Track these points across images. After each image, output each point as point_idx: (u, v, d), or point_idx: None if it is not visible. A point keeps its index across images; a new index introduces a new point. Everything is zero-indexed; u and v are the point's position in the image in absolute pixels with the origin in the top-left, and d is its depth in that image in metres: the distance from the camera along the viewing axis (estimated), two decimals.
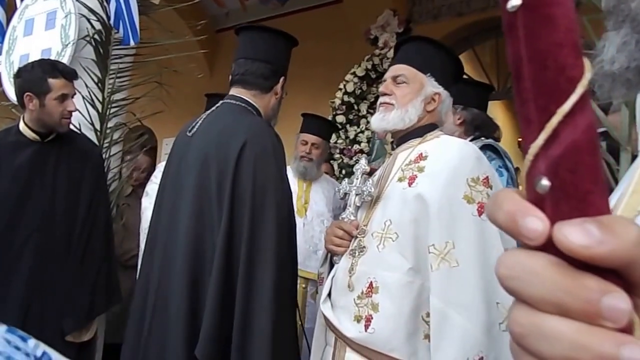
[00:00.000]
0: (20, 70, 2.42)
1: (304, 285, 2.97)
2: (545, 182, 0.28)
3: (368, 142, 5.49)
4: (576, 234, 0.27)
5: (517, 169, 2.73)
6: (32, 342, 0.74)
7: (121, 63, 3.36)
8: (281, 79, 2.01)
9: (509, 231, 0.30)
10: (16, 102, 2.58)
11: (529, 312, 0.29)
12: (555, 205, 0.28)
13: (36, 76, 2.33)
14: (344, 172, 5.38)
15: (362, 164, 1.71)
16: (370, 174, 1.74)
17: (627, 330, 0.27)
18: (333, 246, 1.66)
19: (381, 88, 1.74)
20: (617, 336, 0.26)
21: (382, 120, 1.69)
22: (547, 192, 0.28)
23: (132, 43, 3.22)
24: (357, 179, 1.68)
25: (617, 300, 0.27)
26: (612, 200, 0.65)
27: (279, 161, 1.78)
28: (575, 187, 0.28)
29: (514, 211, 0.29)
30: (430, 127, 1.70)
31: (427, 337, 1.42)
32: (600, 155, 0.29)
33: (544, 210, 0.29)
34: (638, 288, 0.28)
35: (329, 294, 1.67)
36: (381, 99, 1.72)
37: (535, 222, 0.28)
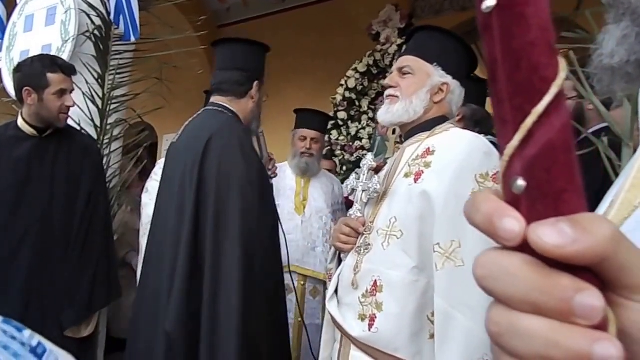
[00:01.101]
0: (19, 65, 2.43)
1: (302, 282, 2.96)
2: (521, 182, 0.28)
3: (369, 138, 5.47)
4: (550, 234, 0.27)
5: None
6: (27, 332, 0.76)
7: (121, 59, 3.34)
8: (255, 84, 2.13)
9: (487, 232, 0.30)
10: (15, 98, 2.58)
11: (505, 311, 0.29)
12: (531, 205, 0.29)
13: (35, 71, 2.34)
14: (344, 168, 5.37)
15: (369, 160, 1.67)
16: (377, 170, 1.71)
17: (602, 327, 0.27)
18: (340, 243, 1.63)
19: (386, 80, 1.70)
20: (591, 333, 0.27)
21: (387, 113, 1.65)
22: (523, 192, 0.29)
23: (132, 39, 3.21)
24: (363, 174, 1.65)
25: (590, 298, 0.27)
26: (611, 194, 0.64)
27: (245, 154, 1.85)
28: (550, 186, 0.28)
29: (491, 212, 0.29)
30: (440, 120, 1.64)
31: (433, 336, 1.39)
32: (575, 154, 0.29)
33: (520, 211, 0.29)
34: (613, 285, 0.29)
35: (336, 291, 1.65)
36: (386, 92, 1.69)
37: (512, 223, 0.29)
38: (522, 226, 0.28)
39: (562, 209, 0.28)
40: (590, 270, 0.28)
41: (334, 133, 5.55)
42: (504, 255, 0.29)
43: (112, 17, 3.19)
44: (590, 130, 2.40)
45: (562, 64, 0.28)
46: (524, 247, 0.28)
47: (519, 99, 0.28)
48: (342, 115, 5.53)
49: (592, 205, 0.66)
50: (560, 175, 0.28)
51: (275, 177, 2.50)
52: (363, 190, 1.63)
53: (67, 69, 2.44)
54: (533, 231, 0.28)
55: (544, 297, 0.27)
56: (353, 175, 1.68)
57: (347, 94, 5.53)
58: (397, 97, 1.64)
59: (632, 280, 0.28)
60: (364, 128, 5.55)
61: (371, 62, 5.45)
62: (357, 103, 5.61)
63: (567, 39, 2.19)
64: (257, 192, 1.83)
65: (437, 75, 1.63)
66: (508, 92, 0.28)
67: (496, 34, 0.28)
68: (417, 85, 1.63)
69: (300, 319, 2.92)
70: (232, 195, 1.76)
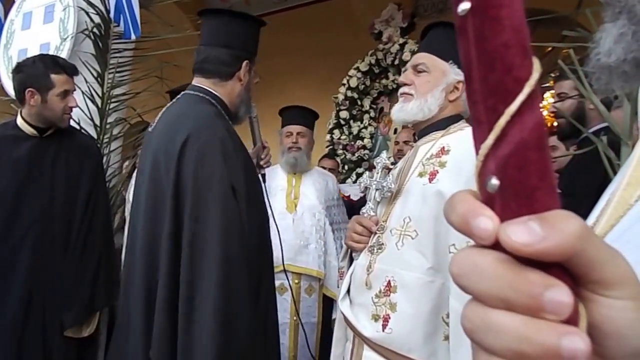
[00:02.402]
0: (20, 65, 2.40)
1: (297, 281, 2.95)
2: (494, 181, 0.29)
3: (371, 137, 5.46)
4: (518, 233, 0.28)
5: None
6: None
7: (121, 57, 3.34)
8: (244, 64, 1.88)
9: (463, 232, 0.31)
10: (14, 97, 2.57)
11: (478, 308, 0.30)
12: (505, 203, 0.29)
13: (38, 72, 2.31)
14: (346, 167, 5.37)
15: (383, 158, 1.66)
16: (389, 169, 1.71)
17: (573, 321, 0.28)
18: (352, 242, 1.63)
19: (401, 78, 1.69)
20: (559, 327, 0.27)
21: (401, 111, 1.64)
22: (497, 191, 0.29)
23: (133, 37, 3.20)
24: (377, 173, 1.64)
25: (558, 294, 0.27)
26: (608, 192, 0.65)
27: (228, 155, 1.67)
28: (522, 184, 0.28)
29: (466, 212, 0.30)
30: (455, 119, 1.63)
31: (447, 338, 1.39)
32: (548, 153, 0.29)
33: (494, 210, 0.30)
34: (583, 280, 0.29)
35: (348, 291, 1.65)
36: (401, 89, 1.67)
37: (486, 222, 0.29)
38: (496, 225, 0.29)
39: (535, 207, 0.29)
40: (562, 267, 0.29)
41: (336, 132, 5.55)
42: (478, 253, 0.30)
43: (112, 15, 3.18)
44: (591, 130, 2.39)
45: (536, 64, 0.28)
46: (498, 245, 0.29)
47: (493, 99, 0.28)
48: (344, 114, 5.52)
49: (593, 204, 0.66)
50: (532, 173, 0.28)
51: (268, 166, 2.31)
52: (377, 189, 1.62)
53: (70, 69, 2.43)
54: (503, 230, 0.28)
55: (514, 294, 0.28)
56: (367, 174, 1.68)
57: (349, 93, 5.52)
58: (411, 95, 1.63)
59: (600, 275, 0.29)
60: (365, 127, 5.54)
61: (373, 61, 5.43)
62: (359, 102, 5.60)
63: (568, 38, 2.18)
64: (243, 196, 1.67)
65: (453, 74, 1.62)
66: (482, 93, 0.29)
67: (471, 36, 0.29)
68: (433, 83, 1.61)
69: (295, 318, 2.92)
70: (211, 204, 1.60)
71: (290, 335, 2.97)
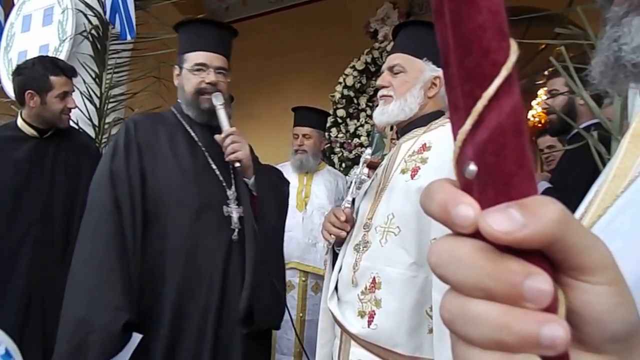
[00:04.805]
0: (19, 67, 2.42)
1: (304, 279, 3.00)
2: (472, 167, 0.28)
3: (368, 135, 5.47)
4: (499, 221, 0.27)
5: None
6: None
7: (119, 58, 3.35)
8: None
9: (442, 221, 0.29)
10: (14, 99, 2.59)
11: (457, 297, 0.29)
12: (483, 190, 0.28)
13: (38, 74, 2.34)
14: (343, 165, 5.38)
15: (366, 153, 1.70)
16: (373, 165, 1.73)
17: (552, 309, 0.28)
18: (325, 232, 1.66)
19: (378, 80, 1.70)
20: (539, 316, 0.27)
21: (383, 114, 1.66)
22: (475, 177, 0.28)
23: (128, 38, 3.21)
24: (359, 168, 1.67)
25: (539, 282, 0.27)
26: (596, 185, 0.65)
27: (117, 145, 1.84)
28: (499, 170, 0.28)
29: (445, 200, 0.29)
30: (436, 115, 1.65)
31: (432, 331, 1.41)
32: (527, 138, 0.28)
33: (472, 196, 0.29)
34: (563, 266, 0.29)
35: (336, 288, 1.67)
36: (380, 92, 1.69)
37: (467, 209, 0.28)
38: (477, 212, 0.28)
39: (512, 194, 0.28)
40: (541, 253, 0.28)
41: (333, 130, 5.55)
42: (456, 242, 0.29)
43: (107, 16, 3.19)
44: (582, 126, 2.42)
45: (513, 47, 0.27)
46: (477, 233, 0.28)
47: (470, 84, 0.27)
48: (340, 112, 5.53)
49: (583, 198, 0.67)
50: (509, 159, 0.27)
51: (233, 160, 1.81)
52: (355, 182, 1.65)
53: (69, 71, 2.45)
54: (483, 219, 0.28)
55: (494, 283, 0.27)
56: (354, 170, 1.70)
57: (346, 92, 5.53)
58: (391, 96, 1.65)
59: (580, 261, 0.29)
60: (362, 125, 5.54)
61: (369, 60, 5.44)
62: (355, 101, 5.61)
63: (560, 35, 2.21)
64: (126, 180, 1.82)
65: (429, 70, 1.63)
66: (459, 78, 0.28)
67: (447, 19, 0.28)
68: (410, 82, 1.63)
69: (301, 315, 2.96)
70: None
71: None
